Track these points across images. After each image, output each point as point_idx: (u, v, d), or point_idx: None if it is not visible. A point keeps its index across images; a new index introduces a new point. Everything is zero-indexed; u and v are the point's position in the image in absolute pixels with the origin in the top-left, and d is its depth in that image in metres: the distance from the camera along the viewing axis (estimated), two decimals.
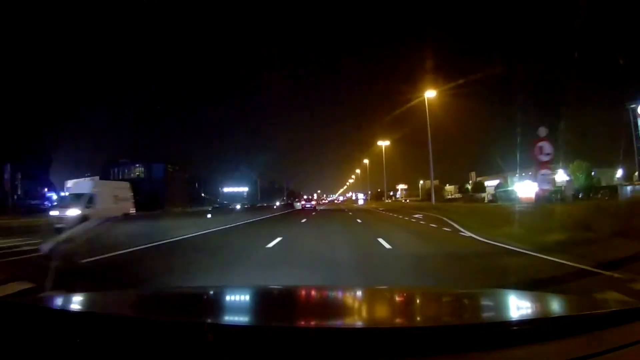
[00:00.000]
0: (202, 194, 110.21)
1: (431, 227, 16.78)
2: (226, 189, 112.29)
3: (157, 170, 71.14)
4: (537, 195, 52.73)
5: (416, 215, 26.06)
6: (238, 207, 41.37)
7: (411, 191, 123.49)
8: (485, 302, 2.19)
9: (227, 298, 2.34)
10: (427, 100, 42.07)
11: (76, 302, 1.99)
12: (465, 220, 17.72)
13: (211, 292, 2.57)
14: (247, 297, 2.32)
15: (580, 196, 53.14)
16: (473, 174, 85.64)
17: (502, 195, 62.36)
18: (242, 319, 1.94)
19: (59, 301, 2.06)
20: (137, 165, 73.44)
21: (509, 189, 65.46)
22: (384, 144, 76.26)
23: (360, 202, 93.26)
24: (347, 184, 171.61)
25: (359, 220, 22.08)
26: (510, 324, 1.52)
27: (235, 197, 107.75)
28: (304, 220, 23.31)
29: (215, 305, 2.20)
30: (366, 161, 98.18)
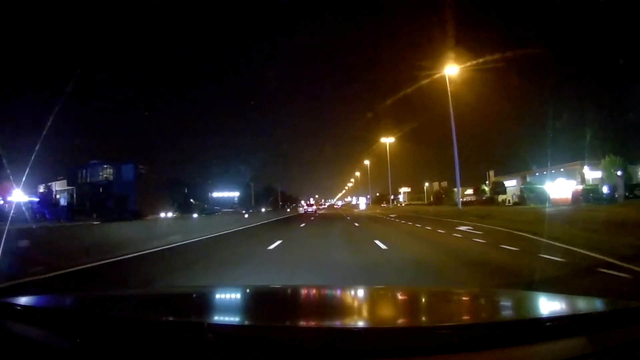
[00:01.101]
0: (191, 200, 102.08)
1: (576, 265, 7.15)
2: (215, 194, 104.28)
3: (127, 172, 61.37)
4: (573, 195, 42.39)
5: (462, 228, 16.48)
6: (195, 215, 31.37)
7: (412, 194, 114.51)
8: (485, 302, 2.19)
9: (227, 298, 2.35)
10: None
11: (76, 302, 2.02)
12: (586, 241, 9.37)
13: (211, 292, 2.62)
14: (247, 297, 2.35)
15: (616, 195, 45.31)
16: (491, 173, 75.79)
17: (532, 196, 53.50)
18: (242, 318, 1.92)
19: (59, 301, 2.05)
20: (105, 166, 63.65)
21: (537, 186, 56.54)
22: (388, 140, 67.00)
23: (362, 206, 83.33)
24: (346, 187, 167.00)
25: (382, 246, 10.61)
26: (510, 324, 1.52)
27: (225, 202, 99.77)
28: (273, 247, 11.11)
29: (215, 305, 2.19)
30: (367, 162, 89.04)
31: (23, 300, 1.82)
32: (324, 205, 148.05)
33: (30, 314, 1.57)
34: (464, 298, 2.30)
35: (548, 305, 1.99)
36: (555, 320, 1.50)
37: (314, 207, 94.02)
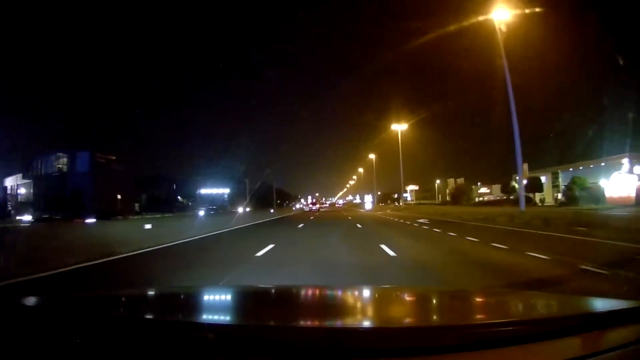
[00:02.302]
0: (178, 197, 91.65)
1: None
2: (203, 191, 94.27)
3: (82, 161, 50.41)
4: (638, 193, 32.49)
5: None
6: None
7: (418, 193, 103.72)
8: (485, 301, 2.18)
9: (227, 298, 2.32)
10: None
11: (76, 302, 1.97)
12: None
13: (211, 292, 2.64)
14: (247, 297, 2.35)
15: None
16: (525, 166, 63.67)
17: (584, 195, 42.83)
18: (242, 318, 1.87)
19: (59, 302, 2.00)
20: (59, 154, 52.65)
21: (591, 183, 45.84)
22: (399, 127, 55.89)
23: (368, 206, 71.22)
24: (348, 185, 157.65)
25: None
26: (510, 323, 1.47)
27: (214, 199, 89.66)
28: None
29: (215, 305, 2.16)
30: (372, 156, 77.98)
31: (22, 299, 1.85)
32: (326, 204, 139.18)
33: (29, 314, 1.56)
34: (464, 298, 2.28)
35: (548, 305, 2.02)
36: (555, 320, 1.50)
37: (318, 205, 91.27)
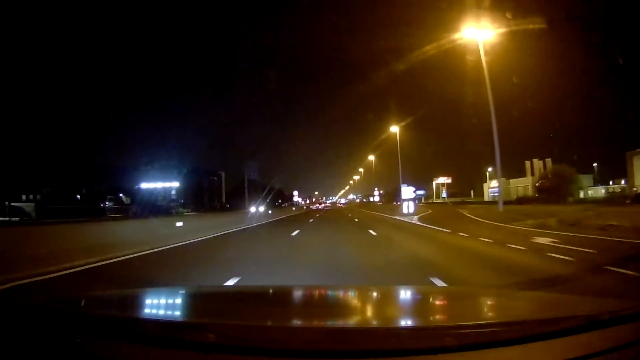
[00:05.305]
0: (120, 195, 69.41)
1: None
2: (144, 185, 66.45)
3: None
4: None
5: None
6: None
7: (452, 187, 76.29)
8: (485, 301, 2.19)
9: (227, 298, 2.38)
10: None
11: (75, 302, 1.98)
12: None
13: (211, 292, 2.68)
14: (247, 297, 2.36)
15: None
16: None
17: None
18: (242, 318, 1.83)
19: (58, 302, 2.01)
20: None
21: None
22: (482, 36, 24.69)
23: (409, 209, 34.38)
24: (351, 182, 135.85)
25: None
26: (510, 323, 1.49)
27: (157, 196, 65.50)
28: None
29: (215, 305, 2.18)
30: (396, 129, 46.87)
31: (23, 300, 1.86)
32: (327, 203, 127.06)
33: (29, 314, 1.56)
34: (463, 298, 2.30)
35: (548, 305, 2.02)
36: (555, 321, 1.48)
37: (323, 205, 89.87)
